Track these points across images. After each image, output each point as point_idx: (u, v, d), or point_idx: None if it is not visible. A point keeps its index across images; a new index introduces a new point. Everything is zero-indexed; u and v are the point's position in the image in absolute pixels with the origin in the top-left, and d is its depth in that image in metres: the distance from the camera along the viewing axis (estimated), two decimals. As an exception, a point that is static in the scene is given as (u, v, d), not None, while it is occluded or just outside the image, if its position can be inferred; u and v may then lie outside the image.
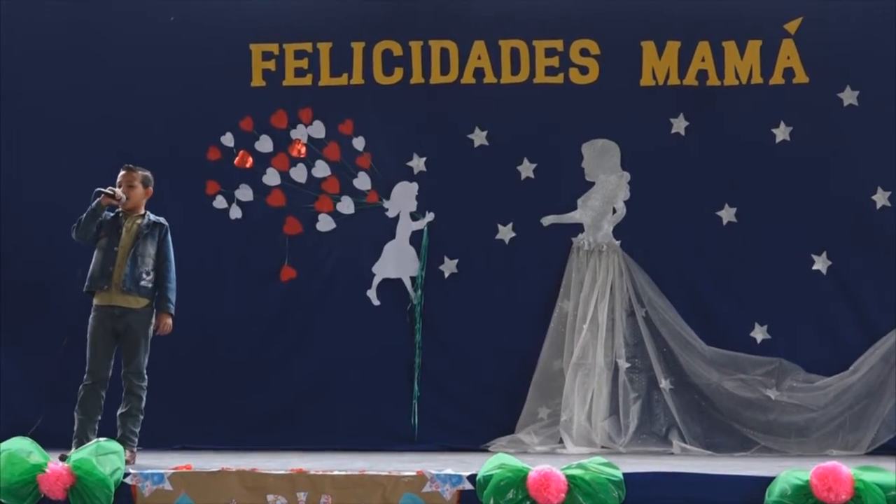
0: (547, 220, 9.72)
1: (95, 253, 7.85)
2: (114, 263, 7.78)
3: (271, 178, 9.74)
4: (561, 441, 9.30)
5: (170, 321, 7.82)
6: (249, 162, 9.67)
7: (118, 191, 7.78)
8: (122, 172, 7.89)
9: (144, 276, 7.84)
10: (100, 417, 7.71)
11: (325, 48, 9.73)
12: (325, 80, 9.73)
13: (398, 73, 9.71)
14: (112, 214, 7.88)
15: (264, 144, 9.74)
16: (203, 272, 9.28)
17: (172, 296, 7.85)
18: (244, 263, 9.66)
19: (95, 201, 7.67)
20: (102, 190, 7.65)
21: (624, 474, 6.59)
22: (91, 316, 7.78)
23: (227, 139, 9.73)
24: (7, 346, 9.43)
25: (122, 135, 9.51)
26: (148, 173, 7.98)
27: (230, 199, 9.74)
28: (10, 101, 9.46)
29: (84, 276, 7.81)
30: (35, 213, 9.45)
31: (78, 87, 9.58)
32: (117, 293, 7.80)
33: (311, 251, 9.67)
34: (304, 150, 9.68)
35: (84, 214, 7.70)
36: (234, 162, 9.69)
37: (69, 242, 8.07)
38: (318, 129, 9.77)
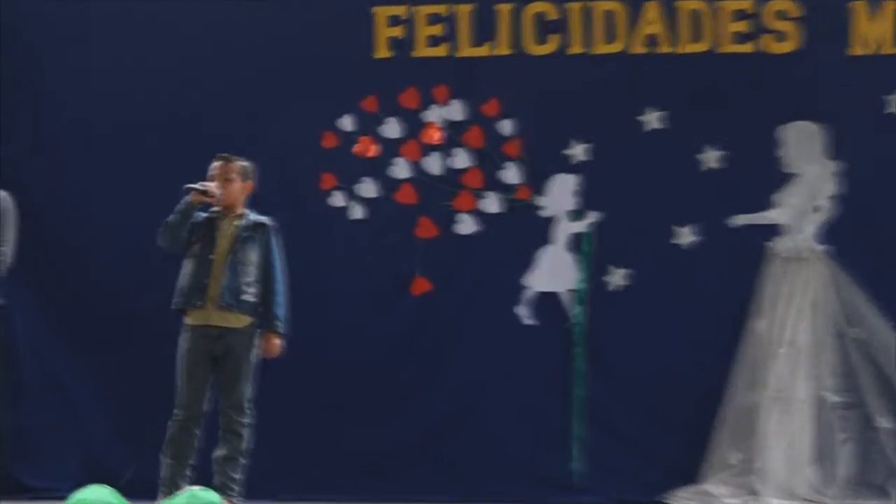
0: (737, 221, 8.74)
1: (186, 262, 7.14)
2: (209, 274, 7.08)
3: (400, 169, 8.81)
4: (755, 492, 8.47)
5: (278, 342, 7.09)
6: (373, 150, 8.72)
7: (212, 186, 7.11)
8: (215, 163, 7.19)
9: (246, 288, 7.10)
10: (192, 461, 7.12)
11: (463, 11, 8.85)
12: (465, 50, 8.81)
13: (553, 42, 8.78)
14: (205, 215, 7.22)
15: (391, 129, 8.79)
16: (315, 284, 8.44)
17: (281, 311, 7.14)
18: (366, 274, 8.82)
19: (185, 200, 7.01)
20: (193, 186, 7.01)
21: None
22: (182, 338, 7.08)
23: (346, 123, 8.80)
24: (83, 376, 8.80)
25: (209, 121, 8.76)
26: (247, 164, 7.25)
27: (350, 195, 8.83)
28: (77, 96, 8.96)
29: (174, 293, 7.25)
30: (111, 224, 8.89)
31: (142, 72, 8.94)
32: (214, 310, 7.08)
33: (448, 259, 8.79)
34: (439, 136, 8.74)
35: (171, 216, 7.06)
36: (355, 150, 8.77)
37: (153, 252, 7.46)
38: (456, 110, 8.80)
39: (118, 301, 8.69)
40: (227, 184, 7.21)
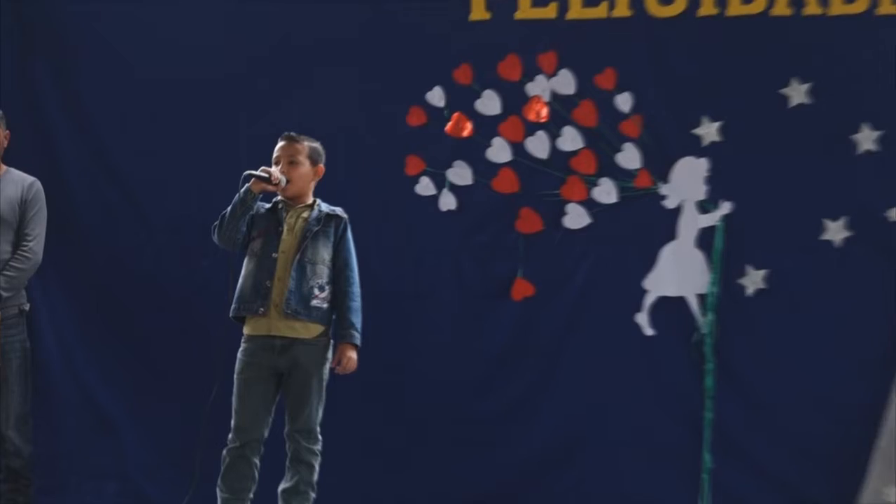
0: (897, 213, 7.83)
1: (246, 262, 6.64)
2: (273, 275, 6.54)
3: (499, 152, 7.94)
4: (918, 535, 7.46)
5: (354, 355, 6.56)
6: (468, 129, 7.93)
7: (275, 171, 6.59)
8: (280, 144, 6.72)
9: (317, 291, 6.57)
10: (252, 494, 6.68)
11: (575, -36, 8.03)
12: (576, 10, 7.93)
13: (679, 3, 7.87)
14: (268, 206, 6.75)
15: (489, 104, 7.94)
16: (397, 287, 7.90)
17: (357, 318, 6.61)
18: (459, 274, 8.00)
19: (244, 188, 6.47)
20: (253, 173, 6.49)
21: None
22: (240, 350, 6.60)
23: (436, 96, 7.96)
24: (120, 394, 8.17)
25: (271, 97, 8.06)
26: (317, 145, 6.79)
27: (440, 182, 7.98)
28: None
29: (227, 284, 6.75)
30: (153, 219, 8.27)
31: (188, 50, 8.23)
32: (278, 318, 6.53)
33: (555, 257, 7.97)
34: (545, 111, 7.90)
35: (229, 208, 6.54)
36: (446, 129, 7.91)
37: (204, 250, 7.31)
38: (565, 82, 7.89)
39: (162, 308, 8.12)
40: (293, 168, 6.67)
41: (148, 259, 8.12)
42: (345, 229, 6.69)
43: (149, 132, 8.09)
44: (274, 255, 6.56)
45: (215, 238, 6.64)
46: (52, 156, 8.10)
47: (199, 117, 8.03)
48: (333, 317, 6.63)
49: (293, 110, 7.85)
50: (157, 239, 8.11)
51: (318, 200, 6.78)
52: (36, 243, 7.23)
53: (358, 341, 6.59)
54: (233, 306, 6.62)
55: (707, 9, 7.83)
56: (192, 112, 8.04)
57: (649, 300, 7.88)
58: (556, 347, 7.94)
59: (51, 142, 8.16)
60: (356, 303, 6.62)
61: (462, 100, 8.08)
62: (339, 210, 6.77)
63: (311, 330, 6.56)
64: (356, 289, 6.64)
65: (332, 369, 6.66)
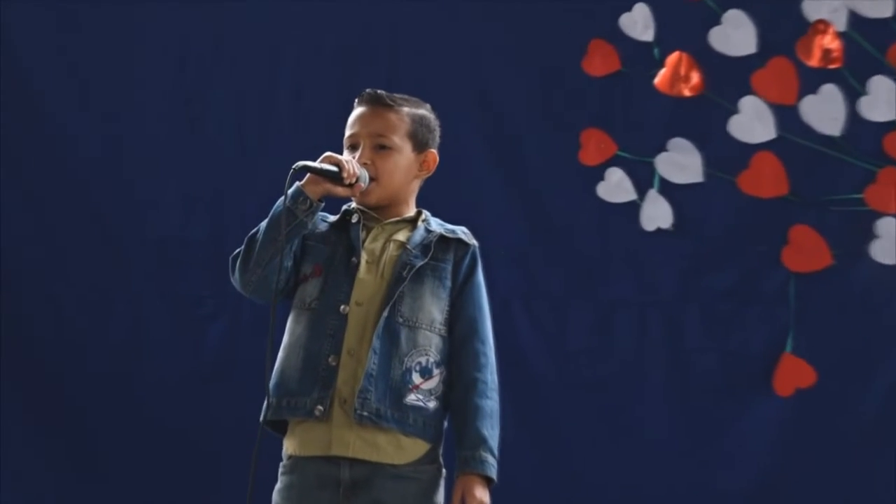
0: None
1: (291, 322, 4.28)
2: (339, 346, 4.18)
3: (752, 123, 5.85)
4: None
5: (486, 498, 4.14)
6: (694, 81, 5.89)
7: (349, 161, 4.19)
8: (357, 112, 4.34)
9: (418, 378, 4.24)
10: None
11: None
12: None
13: None
14: (331, 220, 4.37)
15: (734, 36, 5.89)
16: (564, 373, 5.84)
17: (493, 430, 4.21)
18: (677, 349, 5.82)
19: (293, 189, 4.20)
20: (310, 164, 4.12)
21: None
22: (278, 487, 4.24)
23: (637, 22, 5.83)
24: None
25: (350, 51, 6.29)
26: (426, 112, 4.37)
27: (642, 177, 5.90)
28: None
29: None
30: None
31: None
32: (347, 425, 4.14)
33: (855, 318, 5.77)
34: (838, 49, 5.73)
35: (263, 224, 4.21)
36: (656, 82, 5.83)
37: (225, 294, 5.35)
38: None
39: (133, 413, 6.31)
40: (382, 157, 4.41)
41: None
42: (472, 266, 4.39)
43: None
44: (343, 308, 4.35)
45: (236, 278, 4.43)
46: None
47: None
48: (441, 421, 4.42)
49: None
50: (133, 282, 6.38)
51: (426, 213, 4.51)
52: None
53: (494, 472, 4.29)
54: (267, 402, 4.45)
55: None
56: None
57: None
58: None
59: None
60: (491, 401, 4.30)
61: (683, 30, 5.82)
62: (461, 231, 4.44)
63: (407, 449, 4.28)
64: (491, 375, 4.32)
65: (450, 514, 5.06)
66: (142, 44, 6.59)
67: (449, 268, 4.27)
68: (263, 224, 4.15)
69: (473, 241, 4.27)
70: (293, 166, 4.07)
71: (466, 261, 4.25)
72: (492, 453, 4.15)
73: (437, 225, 4.27)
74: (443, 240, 4.23)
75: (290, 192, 4.15)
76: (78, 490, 6.32)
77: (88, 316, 6.20)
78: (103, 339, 6.14)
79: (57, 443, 6.32)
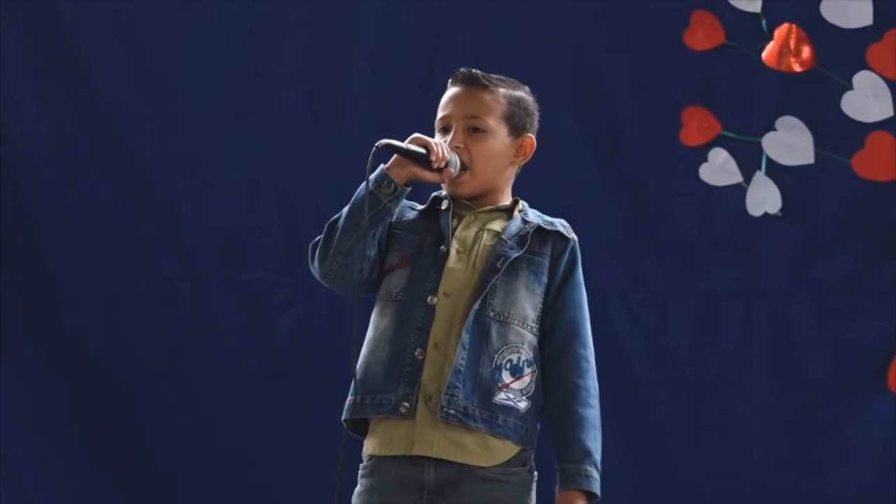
0: None
1: (375, 314, 4.12)
2: (426, 339, 4.03)
3: (868, 100, 5.68)
4: None
5: None
6: (805, 55, 5.74)
7: (440, 145, 4.03)
8: (451, 93, 4.19)
9: (509, 377, 4.07)
10: None
11: None
12: None
13: None
14: (420, 209, 4.18)
15: (850, 7, 5.66)
16: (660, 373, 5.67)
17: (595, 440, 4.02)
18: (784, 348, 5.65)
19: (377, 171, 4.03)
20: (395, 144, 3.97)
21: None
22: (358, 489, 4.07)
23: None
24: None
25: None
26: (524, 94, 4.19)
27: (749, 158, 5.69)
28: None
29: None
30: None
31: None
32: (432, 424, 4.00)
33: None
34: None
35: (345, 210, 4.06)
36: (764, 57, 5.68)
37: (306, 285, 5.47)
38: None
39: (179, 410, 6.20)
40: (475, 141, 4.24)
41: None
42: (572, 263, 4.21)
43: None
44: (431, 299, 4.28)
45: (315, 267, 4.31)
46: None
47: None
48: (539, 427, 4.28)
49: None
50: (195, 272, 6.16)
51: (524, 203, 4.35)
52: None
53: (597, 488, 4.11)
54: (349, 400, 4.29)
55: None
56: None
57: None
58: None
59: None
60: (593, 410, 4.12)
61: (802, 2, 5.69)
62: (560, 224, 4.29)
63: (496, 450, 4.14)
64: (593, 381, 4.12)
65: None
66: (207, 11, 6.39)
67: (546, 262, 4.13)
68: (345, 209, 3.99)
69: (573, 236, 4.13)
70: (376, 144, 3.92)
71: (566, 257, 4.13)
72: (596, 467, 4.03)
73: (535, 216, 4.13)
74: (540, 232, 4.09)
75: (373, 175, 4.08)
76: (127, 496, 6.23)
77: (146, 308, 6.11)
78: (161, 333, 6.09)
79: (104, 443, 6.25)
